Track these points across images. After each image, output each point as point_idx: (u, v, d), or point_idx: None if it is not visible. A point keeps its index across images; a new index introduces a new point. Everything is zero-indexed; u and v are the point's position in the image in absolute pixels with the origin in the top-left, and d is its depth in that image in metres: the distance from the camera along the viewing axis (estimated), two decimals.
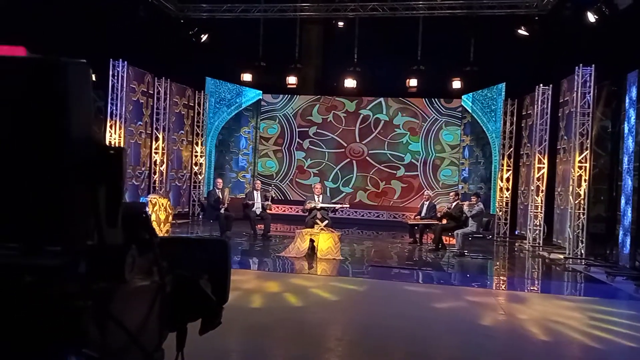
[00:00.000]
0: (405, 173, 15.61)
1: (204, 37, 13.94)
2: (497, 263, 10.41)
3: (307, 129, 15.99)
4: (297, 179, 15.99)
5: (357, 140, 15.85)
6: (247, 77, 14.36)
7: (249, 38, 14.20)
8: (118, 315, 1.11)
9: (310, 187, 15.56)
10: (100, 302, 1.07)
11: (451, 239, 10.95)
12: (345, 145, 15.88)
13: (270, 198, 11.81)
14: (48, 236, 1.06)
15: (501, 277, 9.06)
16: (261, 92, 15.82)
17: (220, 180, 12.15)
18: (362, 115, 15.80)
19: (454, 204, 10.97)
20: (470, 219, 10.26)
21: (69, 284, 1.06)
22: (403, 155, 15.64)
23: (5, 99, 1.04)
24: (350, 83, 14.01)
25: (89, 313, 1.06)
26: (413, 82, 13.96)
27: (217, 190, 11.52)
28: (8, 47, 1.13)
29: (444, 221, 10.84)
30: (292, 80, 14.30)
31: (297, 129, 16.04)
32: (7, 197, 1.04)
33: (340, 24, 14.10)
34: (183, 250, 1.67)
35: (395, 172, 15.67)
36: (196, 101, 14.79)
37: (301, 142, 16.01)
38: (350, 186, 15.80)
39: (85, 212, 1.03)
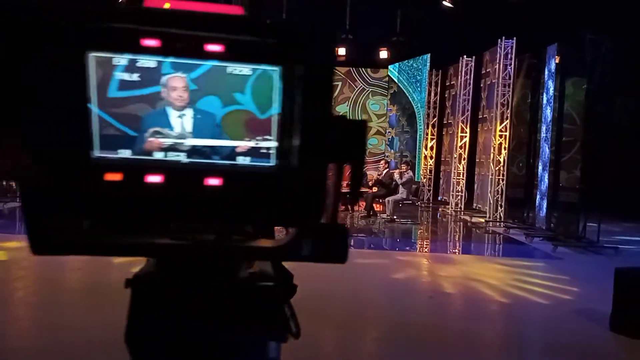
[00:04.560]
0: None
1: None
2: (424, 227, 10.84)
3: None
4: None
5: None
6: None
7: None
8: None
9: None
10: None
11: (381, 205, 11.25)
12: None
13: None
14: (296, 218, 0.95)
15: (427, 241, 9.46)
16: None
17: None
18: None
19: (384, 172, 11.26)
20: (400, 186, 10.58)
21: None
22: None
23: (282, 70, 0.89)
24: None
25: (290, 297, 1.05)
26: (341, 51, 14.00)
27: None
28: (227, 6, 0.99)
29: (375, 189, 11.10)
30: None
31: None
32: (270, 179, 0.92)
33: None
34: None
35: None
36: None
37: None
38: None
39: (326, 190, 0.92)
